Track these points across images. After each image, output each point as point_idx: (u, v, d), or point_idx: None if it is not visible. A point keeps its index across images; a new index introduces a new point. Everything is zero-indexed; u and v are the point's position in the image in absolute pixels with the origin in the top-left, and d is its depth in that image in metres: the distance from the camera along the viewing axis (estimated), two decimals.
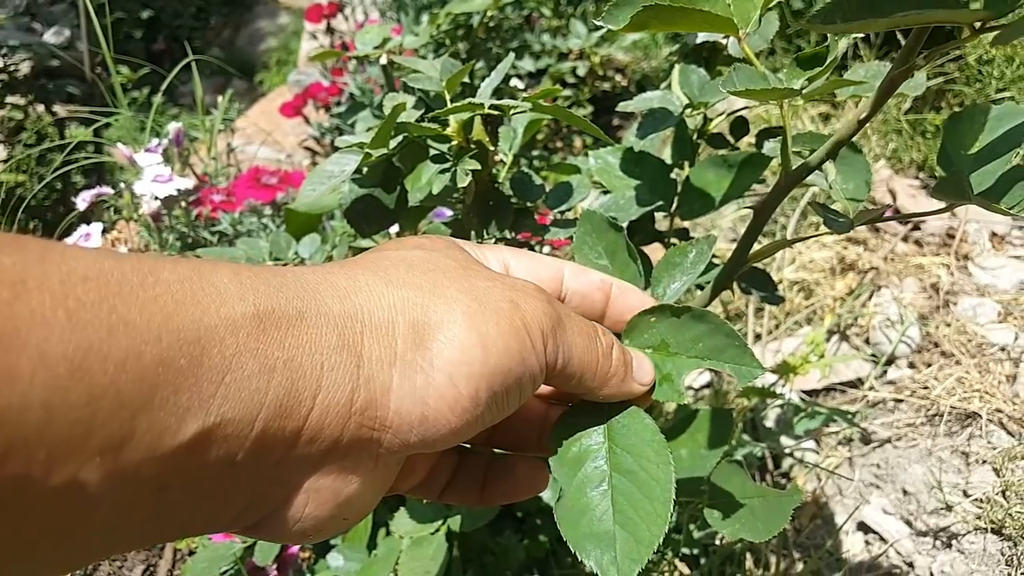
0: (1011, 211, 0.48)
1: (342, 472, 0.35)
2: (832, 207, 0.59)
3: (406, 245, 0.43)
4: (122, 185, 1.28)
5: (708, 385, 1.52)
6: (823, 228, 0.59)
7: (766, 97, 0.49)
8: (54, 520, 0.26)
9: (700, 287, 0.70)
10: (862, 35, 2.20)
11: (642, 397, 0.48)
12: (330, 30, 2.06)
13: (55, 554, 0.27)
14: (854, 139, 0.57)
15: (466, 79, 1.09)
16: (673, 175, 0.76)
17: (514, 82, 2.08)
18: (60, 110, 2.75)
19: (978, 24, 0.42)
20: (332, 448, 0.34)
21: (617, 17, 0.48)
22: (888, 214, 0.55)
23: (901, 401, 1.42)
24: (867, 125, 2.07)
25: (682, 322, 0.50)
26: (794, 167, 0.56)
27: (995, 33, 0.42)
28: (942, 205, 0.54)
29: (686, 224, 0.80)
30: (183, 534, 0.33)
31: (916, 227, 1.81)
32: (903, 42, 0.48)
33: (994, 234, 1.73)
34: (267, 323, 0.32)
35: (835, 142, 0.54)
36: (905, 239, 1.80)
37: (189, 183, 1.22)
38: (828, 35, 0.52)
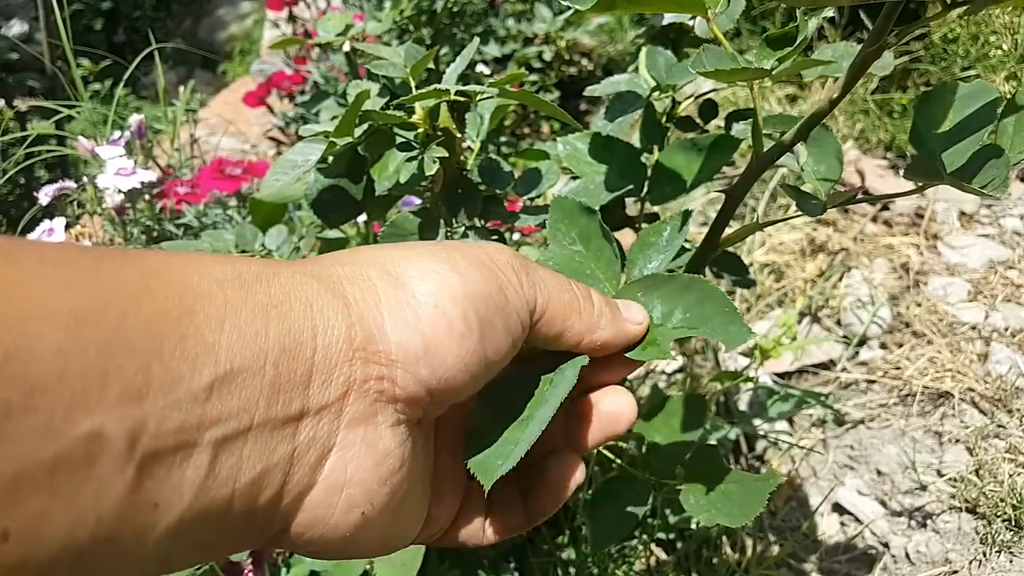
0: (983, 191, 0.47)
1: (369, 423, 0.35)
2: (803, 189, 0.58)
3: None
4: (85, 179, 1.26)
5: (681, 369, 1.51)
6: (793, 210, 0.58)
7: (737, 78, 0.49)
8: (87, 483, 0.26)
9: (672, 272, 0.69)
10: (830, 14, 2.21)
11: (628, 362, 0.48)
12: (292, 18, 2.04)
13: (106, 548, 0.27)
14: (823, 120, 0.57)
15: (431, 65, 1.08)
16: (643, 159, 0.76)
17: (480, 68, 2.06)
18: (21, 104, 2.71)
19: None
20: (347, 389, 0.34)
21: None
22: (859, 195, 0.55)
23: (874, 382, 1.43)
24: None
25: (671, 291, 0.49)
26: (765, 149, 0.56)
27: (964, 7, 0.42)
28: (912, 185, 0.53)
29: (656, 209, 0.79)
30: (230, 521, 0.31)
31: (885, 207, 1.81)
32: (868, 23, 0.47)
33: (963, 213, 1.74)
34: (247, 278, 0.32)
35: (806, 123, 0.53)
36: (874, 220, 1.80)
37: (153, 175, 1.20)
38: (797, 15, 0.52)
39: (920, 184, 0.52)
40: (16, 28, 2.76)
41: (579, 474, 0.46)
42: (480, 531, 0.46)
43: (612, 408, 0.47)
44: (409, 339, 0.35)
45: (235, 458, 0.30)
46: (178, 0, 4.96)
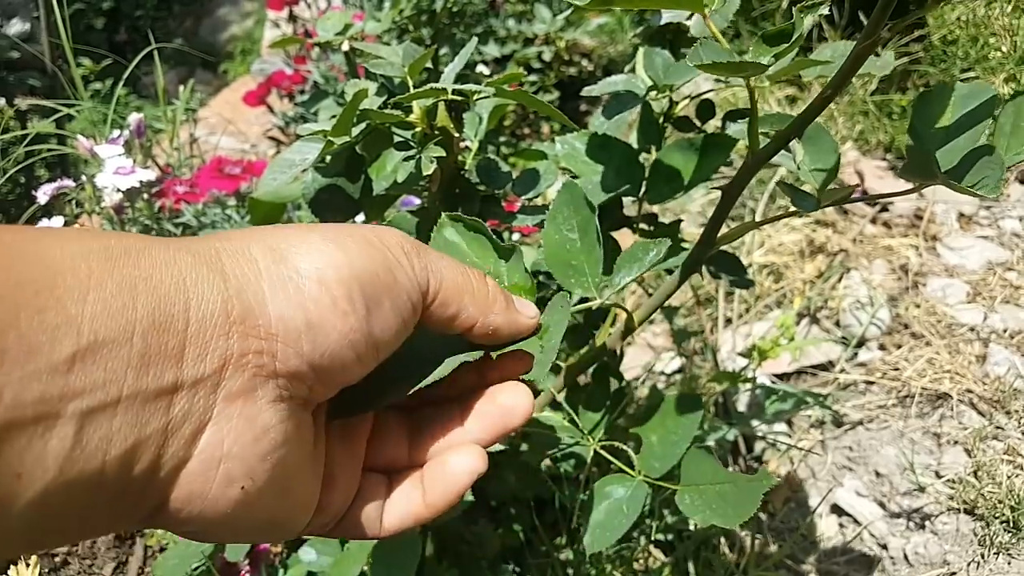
0: (975, 191, 0.47)
1: (248, 398, 0.35)
2: (800, 187, 0.58)
3: None
4: (84, 178, 1.26)
5: (680, 370, 1.51)
6: (792, 209, 0.58)
7: (733, 72, 0.49)
8: None
9: (669, 271, 0.69)
10: (826, 11, 2.21)
11: (524, 358, 0.48)
12: (292, 18, 2.04)
13: None
14: (820, 120, 0.57)
15: (430, 65, 1.08)
16: (641, 159, 0.76)
17: (480, 68, 2.06)
18: (21, 103, 2.70)
19: None
20: (224, 363, 0.34)
21: None
22: (856, 194, 0.55)
23: (872, 383, 1.42)
24: (834, 107, 2.07)
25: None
26: (760, 147, 0.56)
27: None
28: (910, 186, 0.53)
29: (655, 209, 0.79)
30: (103, 494, 0.31)
31: (884, 209, 1.81)
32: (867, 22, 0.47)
33: (962, 214, 1.74)
34: (115, 252, 0.32)
35: (801, 120, 0.53)
36: (873, 221, 1.80)
37: (152, 174, 1.20)
38: (794, 11, 0.52)
39: (916, 184, 0.52)
40: (17, 27, 2.76)
41: (478, 465, 0.45)
42: (377, 521, 0.45)
43: (508, 402, 0.47)
44: (291, 314, 0.35)
45: (104, 430, 0.30)
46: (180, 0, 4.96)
